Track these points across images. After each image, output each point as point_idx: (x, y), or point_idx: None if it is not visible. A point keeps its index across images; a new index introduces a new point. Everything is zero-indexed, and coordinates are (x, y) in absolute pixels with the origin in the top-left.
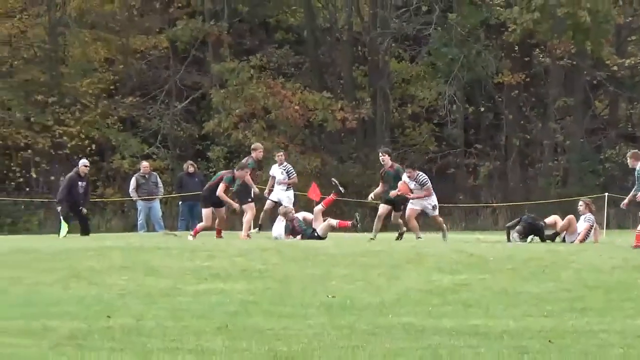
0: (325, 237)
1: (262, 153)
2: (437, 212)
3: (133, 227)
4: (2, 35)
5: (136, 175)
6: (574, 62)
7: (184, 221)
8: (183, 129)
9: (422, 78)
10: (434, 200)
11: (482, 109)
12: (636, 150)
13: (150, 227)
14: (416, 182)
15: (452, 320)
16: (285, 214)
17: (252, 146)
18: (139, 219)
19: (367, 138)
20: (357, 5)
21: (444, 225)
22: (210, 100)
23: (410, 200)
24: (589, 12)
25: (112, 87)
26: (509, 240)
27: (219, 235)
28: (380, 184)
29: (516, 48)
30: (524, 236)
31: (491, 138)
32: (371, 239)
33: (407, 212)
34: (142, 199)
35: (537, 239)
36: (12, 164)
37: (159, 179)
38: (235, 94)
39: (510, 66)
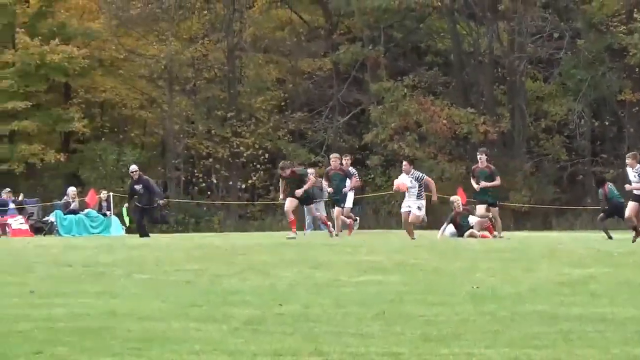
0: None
1: (335, 162)
2: (420, 214)
3: (301, 227)
4: (187, 58)
5: None
6: None
7: None
8: (345, 140)
9: (554, 96)
10: (422, 202)
11: (607, 123)
12: (635, 152)
13: (316, 226)
14: (412, 178)
15: (581, 308)
16: (451, 203)
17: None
18: (306, 220)
19: (507, 148)
20: (497, 32)
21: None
22: (369, 115)
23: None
24: None
25: (282, 104)
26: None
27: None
28: (473, 182)
29: (637, 70)
30: (606, 217)
31: (614, 149)
32: (500, 236)
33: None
34: None
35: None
36: (195, 171)
37: (324, 184)
38: (390, 110)
39: (631, 86)
